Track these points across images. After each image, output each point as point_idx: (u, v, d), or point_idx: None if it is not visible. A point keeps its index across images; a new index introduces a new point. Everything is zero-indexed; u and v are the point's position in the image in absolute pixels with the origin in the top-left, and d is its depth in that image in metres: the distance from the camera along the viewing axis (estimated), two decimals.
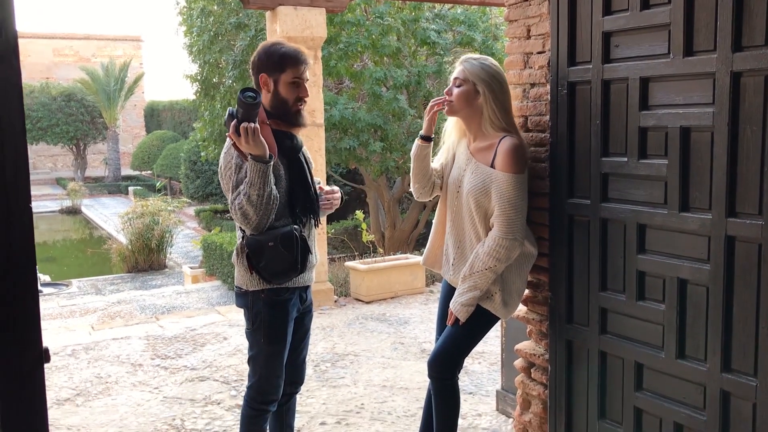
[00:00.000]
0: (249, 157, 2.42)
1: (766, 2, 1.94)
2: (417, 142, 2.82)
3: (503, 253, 2.56)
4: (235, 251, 2.64)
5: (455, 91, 2.66)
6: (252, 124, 2.39)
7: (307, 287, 2.78)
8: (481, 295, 2.63)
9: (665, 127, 2.23)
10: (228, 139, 2.56)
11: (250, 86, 2.49)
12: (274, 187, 2.47)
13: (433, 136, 2.84)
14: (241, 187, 2.46)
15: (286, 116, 2.62)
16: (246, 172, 2.47)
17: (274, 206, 2.49)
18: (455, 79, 2.68)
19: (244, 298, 2.66)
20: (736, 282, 2.08)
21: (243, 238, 2.59)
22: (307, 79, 2.65)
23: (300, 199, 2.63)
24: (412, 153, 2.85)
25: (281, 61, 2.56)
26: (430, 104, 2.78)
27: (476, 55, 2.72)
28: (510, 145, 2.57)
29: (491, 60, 2.70)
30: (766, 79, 1.95)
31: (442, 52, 8.22)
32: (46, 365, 1.19)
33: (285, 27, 5.81)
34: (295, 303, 2.69)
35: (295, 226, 2.58)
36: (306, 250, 2.59)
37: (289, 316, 2.67)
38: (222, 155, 2.60)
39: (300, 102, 2.63)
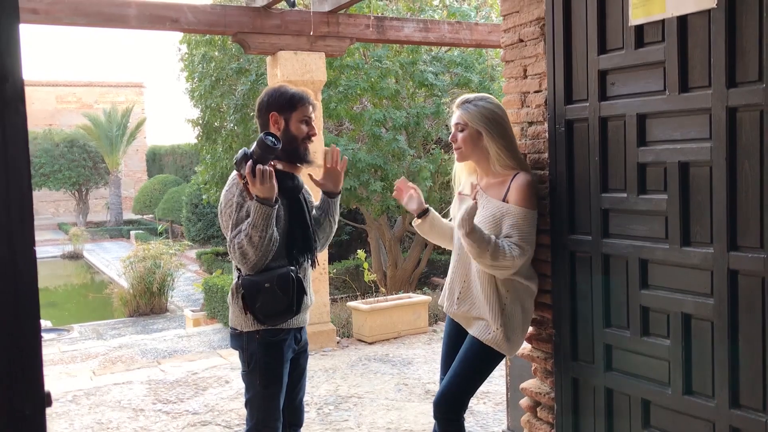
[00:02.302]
0: (255, 198, 2.45)
1: (758, 40, 1.97)
2: (414, 222, 2.87)
3: (500, 262, 2.50)
4: (230, 291, 2.65)
5: (459, 136, 2.68)
6: (268, 168, 2.44)
7: (302, 328, 2.77)
8: (467, 232, 2.51)
9: (664, 162, 2.25)
10: (231, 177, 2.61)
11: (271, 132, 2.55)
12: (275, 229, 2.50)
13: (427, 206, 2.88)
14: (243, 226, 2.49)
15: (295, 153, 2.67)
16: (247, 211, 2.51)
17: (274, 248, 2.52)
18: (456, 124, 2.69)
19: (238, 340, 2.66)
20: (741, 316, 2.07)
21: (239, 278, 2.59)
22: (314, 120, 2.74)
23: (298, 241, 2.65)
24: (418, 231, 2.91)
25: (292, 101, 2.66)
26: (396, 190, 2.85)
27: (472, 96, 2.72)
28: (525, 180, 2.59)
29: (487, 98, 2.70)
30: (761, 114, 1.97)
31: (439, 94, 8.32)
32: (47, 411, 1.18)
33: (285, 71, 5.89)
34: (290, 344, 2.68)
35: (291, 267, 2.58)
36: (302, 292, 2.61)
37: (285, 357, 2.66)
38: (223, 193, 2.64)
39: (308, 140, 2.71)
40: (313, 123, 2.72)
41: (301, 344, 2.77)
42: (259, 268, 2.53)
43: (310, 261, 2.73)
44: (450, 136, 2.74)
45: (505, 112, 2.70)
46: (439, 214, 2.94)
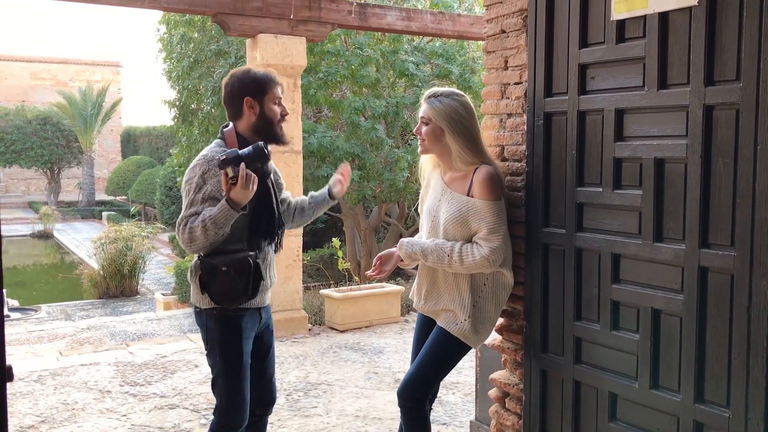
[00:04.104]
0: (227, 199, 2.47)
1: (737, 39, 1.98)
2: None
3: (470, 265, 2.57)
4: (189, 270, 2.67)
5: (423, 130, 2.68)
6: (254, 175, 2.49)
7: (262, 308, 2.76)
8: (417, 257, 2.68)
9: (640, 158, 2.26)
10: (199, 156, 2.63)
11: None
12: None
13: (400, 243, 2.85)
14: (205, 214, 2.50)
15: (273, 136, 2.70)
16: (205, 195, 2.55)
17: (218, 241, 2.56)
18: (422, 118, 2.69)
19: (199, 317, 2.69)
20: (709, 312, 2.10)
21: (199, 258, 2.62)
22: (282, 99, 2.77)
23: (261, 226, 2.66)
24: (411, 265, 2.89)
25: (263, 84, 2.68)
26: (380, 271, 2.82)
27: (440, 90, 2.71)
28: (485, 173, 2.59)
29: (454, 95, 2.68)
30: (737, 112, 1.99)
31: (420, 84, 8.29)
32: (10, 390, 1.15)
33: (265, 54, 5.83)
34: (250, 322, 2.68)
35: (250, 252, 2.60)
36: (258, 277, 2.60)
37: (244, 333, 2.66)
38: (188, 170, 2.65)
39: (283, 120, 2.75)
40: (282, 102, 2.76)
41: (262, 322, 2.78)
42: (209, 250, 2.57)
43: (273, 245, 2.76)
44: (415, 128, 2.75)
45: (470, 111, 2.67)
46: (414, 205, 2.95)
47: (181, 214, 2.58)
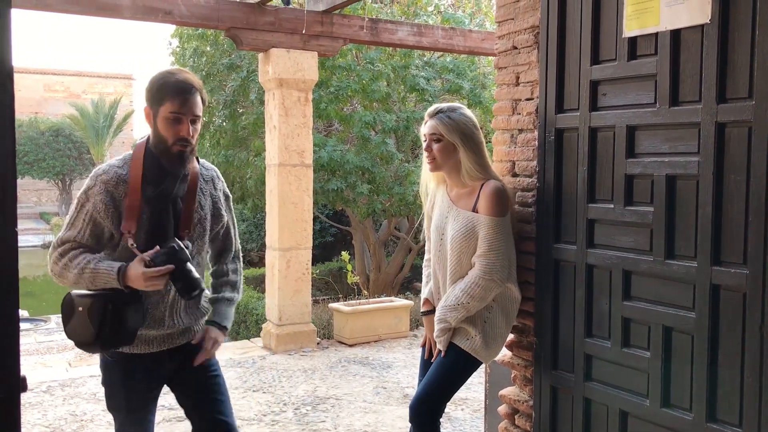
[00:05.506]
0: (121, 277, 2.17)
1: (749, 56, 1.99)
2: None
3: (478, 292, 2.57)
4: None
5: (435, 147, 2.67)
6: (164, 284, 2.20)
7: (172, 351, 2.38)
8: (450, 328, 2.63)
9: (651, 174, 2.26)
10: (97, 174, 2.30)
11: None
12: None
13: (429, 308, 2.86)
14: (91, 264, 2.18)
15: (164, 157, 2.27)
16: (87, 216, 2.25)
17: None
18: (432, 135, 2.66)
19: None
20: (721, 330, 2.08)
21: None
22: (197, 117, 2.27)
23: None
24: None
25: (159, 92, 2.22)
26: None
27: (445, 106, 2.70)
28: (492, 188, 2.59)
29: (460, 109, 2.69)
30: (749, 130, 1.98)
31: (430, 99, 8.32)
32: (21, 397, 1.16)
33: (277, 69, 5.87)
34: (140, 367, 2.33)
35: (111, 294, 2.20)
36: (117, 323, 2.18)
37: (126, 377, 2.32)
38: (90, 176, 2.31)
39: (182, 143, 2.24)
40: (186, 120, 2.22)
41: (176, 364, 2.40)
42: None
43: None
44: (425, 145, 2.71)
45: (476, 124, 2.70)
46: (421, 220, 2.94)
47: (59, 234, 2.24)
